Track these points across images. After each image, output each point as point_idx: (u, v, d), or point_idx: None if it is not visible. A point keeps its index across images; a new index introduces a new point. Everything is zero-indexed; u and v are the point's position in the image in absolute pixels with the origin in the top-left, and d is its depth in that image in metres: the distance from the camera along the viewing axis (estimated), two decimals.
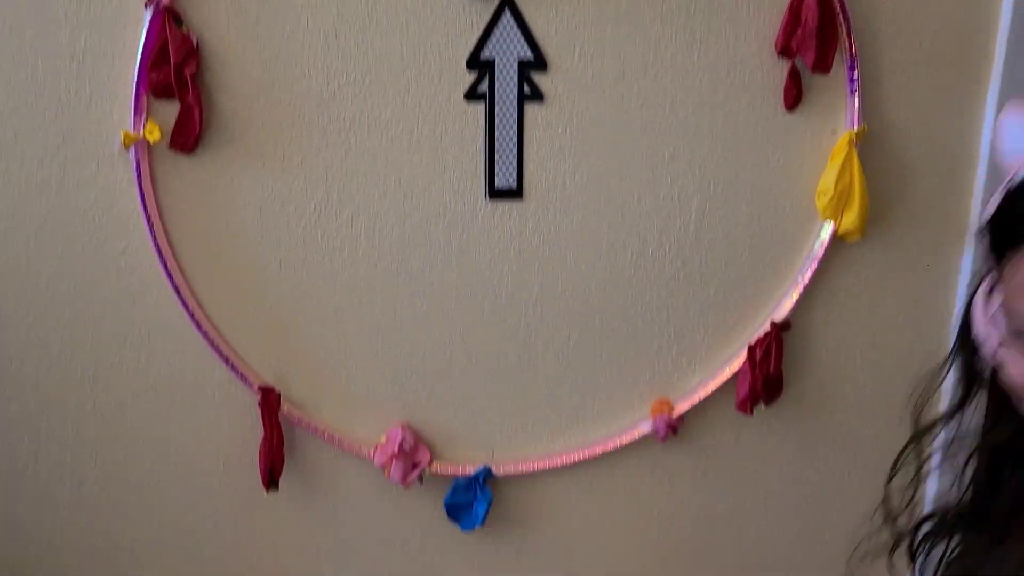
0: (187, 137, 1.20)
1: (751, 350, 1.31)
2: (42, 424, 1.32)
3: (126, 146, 1.19)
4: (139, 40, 1.16)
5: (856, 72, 1.24)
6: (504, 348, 1.34)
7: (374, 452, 1.34)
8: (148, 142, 1.19)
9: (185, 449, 1.35)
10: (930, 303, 1.35)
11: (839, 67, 1.24)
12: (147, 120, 1.19)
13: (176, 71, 1.17)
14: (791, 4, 1.20)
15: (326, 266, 1.28)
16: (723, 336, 1.34)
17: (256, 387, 1.29)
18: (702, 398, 1.35)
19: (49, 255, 1.25)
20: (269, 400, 1.29)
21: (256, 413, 1.30)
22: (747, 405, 1.32)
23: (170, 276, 1.24)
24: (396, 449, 1.32)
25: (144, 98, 1.19)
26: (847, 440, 1.40)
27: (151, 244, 1.23)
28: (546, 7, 1.21)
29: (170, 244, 1.25)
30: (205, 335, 1.27)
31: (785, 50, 1.22)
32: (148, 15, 1.15)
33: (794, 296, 1.31)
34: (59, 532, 1.37)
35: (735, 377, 1.34)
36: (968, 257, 1.32)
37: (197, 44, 1.18)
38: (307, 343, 1.32)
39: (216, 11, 1.18)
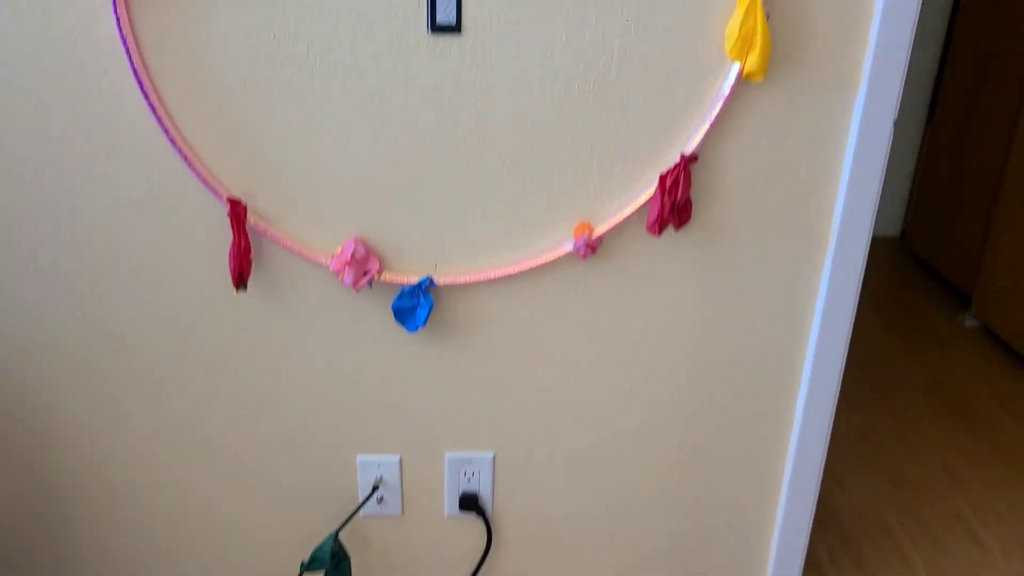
0: None
1: (662, 179, 1.48)
2: (38, 234, 1.51)
3: None
4: None
5: None
6: (445, 172, 1.50)
7: (330, 260, 1.53)
8: None
9: (163, 255, 1.55)
10: (825, 141, 1.49)
11: None
12: None
13: None
14: None
15: (286, 91, 1.44)
16: (639, 166, 1.51)
17: (225, 198, 1.47)
18: (619, 222, 1.53)
19: (35, 77, 1.41)
20: (237, 210, 1.47)
21: (227, 224, 1.49)
22: (656, 227, 1.49)
23: (146, 95, 1.40)
24: (349, 258, 1.51)
25: None
26: (749, 263, 1.58)
27: (128, 65, 1.38)
28: None
29: (145, 66, 1.40)
30: (179, 151, 1.44)
31: None
32: None
33: (703, 131, 1.47)
34: (43, 326, 1.59)
35: (648, 203, 1.51)
36: (860, 99, 1.46)
37: None
38: (271, 161, 1.48)
39: None
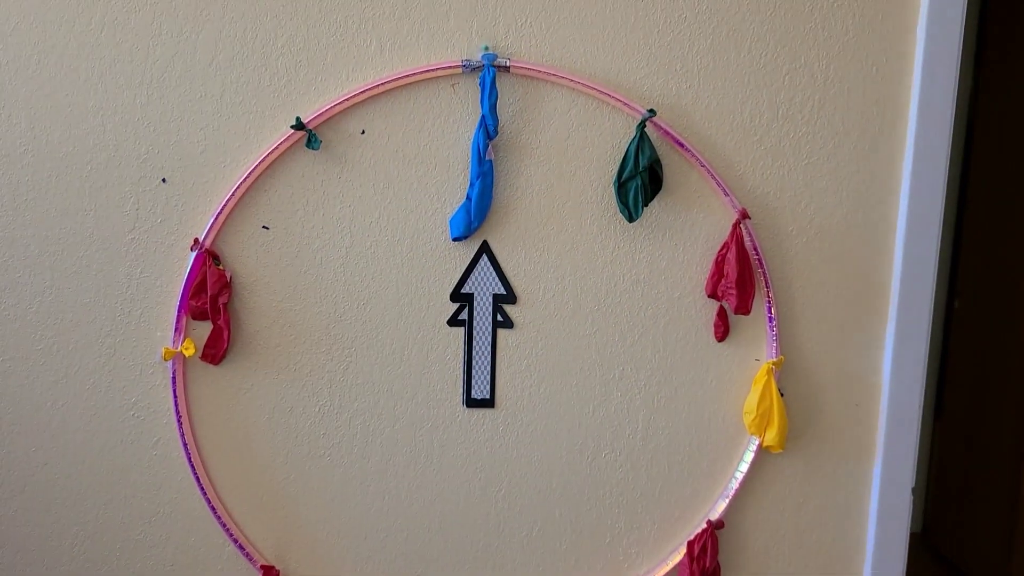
0: (216, 352, 1.45)
1: (690, 545, 1.50)
2: None
3: (166, 359, 1.44)
4: (183, 274, 1.43)
5: (773, 312, 1.48)
6: (477, 536, 1.54)
7: None
8: (184, 356, 1.45)
9: None
10: (846, 509, 1.54)
11: (760, 306, 1.48)
12: (185, 338, 1.45)
13: (212, 300, 1.43)
14: (716, 259, 1.46)
15: (326, 460, 1.50)
16: (666, 531, 1.54)
17: (259, 565, 1.49)
18: None
19: (93, 444, 1.48)
20: None
21: None
22: None
23: (192, 466, 1.47)
24: None
25: (183, 320, 1.45)
26: None
27: (179, 438, 1.46)
28: (516, 253, 1.47)
29: (195, 439, 1.48)
30: (218, 518, 1.48)
31: (713, 295, 1.47)
32: (192, 255, 1.42)
33: (728, 499, 1.51)
34: None
35: (677, 568, 1.52)
36: (877, 470, 1.52)
37: (231, 278, 1.44)
38: (306, 527, 1.52)
39: (247, 251, 1.45)
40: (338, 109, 1.41)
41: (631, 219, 1.42)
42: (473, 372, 1.49)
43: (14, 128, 1.40)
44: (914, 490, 1.52)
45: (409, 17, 1.40)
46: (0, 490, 1.49)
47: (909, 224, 1.46)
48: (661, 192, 1.44)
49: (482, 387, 1.50)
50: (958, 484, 4.04)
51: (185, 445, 1.46)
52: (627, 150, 1.41)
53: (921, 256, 1.47)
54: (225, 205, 1.42)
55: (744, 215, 1.44)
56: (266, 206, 1.44)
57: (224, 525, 1.48)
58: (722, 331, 1.48)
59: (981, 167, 3.24)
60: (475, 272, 1.47)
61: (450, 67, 1.40)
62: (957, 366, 4.21)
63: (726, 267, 1.44)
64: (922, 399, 1.50)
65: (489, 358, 1.49)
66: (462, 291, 1.48)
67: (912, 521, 4.86)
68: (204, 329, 1.45)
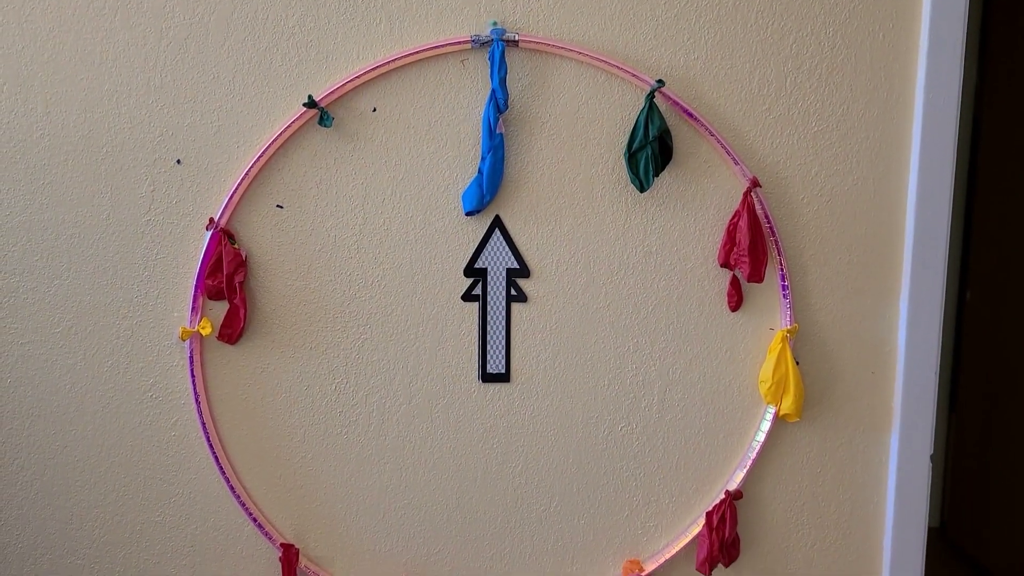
0: (232, 331, 1.46)
1: (708, 516, 1.50)
2: (93, 574, 1.52)
3: (183, 339, 1.45)
4: (199, 254, 1.44)
5: (786, 280, 1.48)
6: (494, 512, 1.54)
7: None
8: (201, 335, 1.46)
9: None
10: (864, 477, 1.53)
11: (773, 276, 1.49)
12: (201, 317, 1.46)
13: (228, 280, 1.44)
14: (728, 227, 1.46)
15: (342, 438, 1.51)
16: (684, 503, 1.53)
17: (279, 544, 1.50)
18: (668, 558, 1.53)
19: (112, 426, 1.49)
20: (289, 555, 1.49)
21: (277, 567, 1.51)
22: (706, 566, 1.49)
23: (211, 446, 1.47)
24: None
25: (200, 300, 1.46)
26: None
27: (197, 419, 1.47)
28: (529, 227, 1.48)
29: (213, 419, 1.49)
30: (237, 498, 1.49)
31: (726, 264, 1.47)
32: (208, 235, 1.44)
33: (745, 469, 1.51)
34: None
35: (697, 539, 1.52)
36: (895, 437, 1.51)
37: (246, 257, 1.45)
38: (324, 505, 1.52)
39: (262, 231, 1.46)
40: (349, 87, 1.42)
41: (642, 189, 1.43)
42: (488, 347, 1.50)
43: (31, 113, 1.42)
44: (932, 457, 1.51)
45: None
46: (21, 473, 1.50)
47: (920, 189, 1.46)
48: (671, 163, 1.45)
49: (497, 361, 1.50)
50: (975, 477, 4.02)
51: (203, 425, 1.47)
52: (637, 120, 1.42)
53: (933, 221, 1.47)
54: (239, 185, 1.43)
55: (755, 183, 1.44)
56: (280, 185, 1.45)
57: (243, 504, 1.49)
58: (736, 301, 1.48)
59: (990, 155, 3.24)
60: (488, 247, 1.48)
61: (459, 43, 1.41)
62: (970, 358, 4.19)
63: (738, 235, 1.44)
64: (938, 365, 1.50)
65: (504, 332, 1.50)
66: (476, 266, 1.49)
67: (930, 516, 4.82)
68: (220, 310, 1.46)
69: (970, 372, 4.17)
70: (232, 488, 1.49)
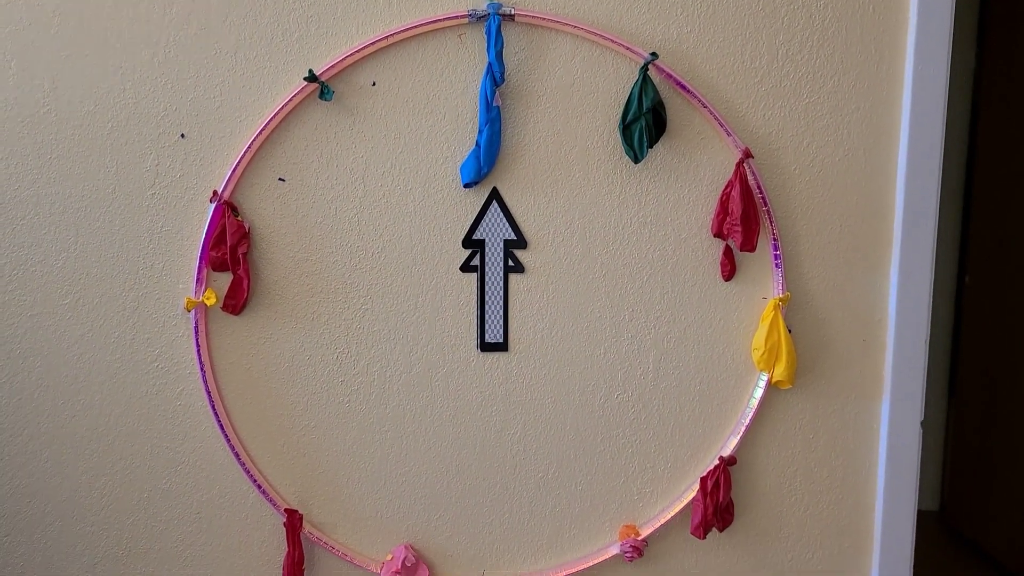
0: (236, 302, 1.49)
1: (703, 481, 1.53)
2: (101, 541, 1.56)
3: (188, 309, 1.48)
4: (203, 227, 1.47)
5: (779, 249, 1.51)
6: (493, 479, 1.57)
7: (381, 568, 1.55)
8: (206, 306, 1.49)
9: (219, 562, 1.58)
10: (855, 443, 1.56)
11: (765, 245, 1.51)
12: (206, 288, 1.49)
13: (231, 251, 1.47)
14: (721, 197, 1.49)
15: (344, 406, 1.54)
16: (679, 469, 1.57)
17: (283, 509, 1.53)
18: (664, 523, 1.56)
19: (119, 397, 1.52)
20: (293, 520, 1.53)
21: (281, 532, 1.54)
22: (700, 530, 1.52)
23: (216, 415, 1.51)
24: (400, 566, 1.54)
25: (204, 271, 1.49)
26: (795, 561, 1.59)
27: (203, 388, 1.50)
28: (526, 199, 1.51)
29: (218, 388, 1.52)
30: (243, 465, 1.52)
31: (719, 234, 1.50)
32: (212, 207, 1.47)
33: (739, 435, 1.54)
34: None
35: (691, 505, 1.55)
36: (886, 404, 1.54)
37: (249, 229, 1.49)
38: (327, 472, 1.56)
39: (265, 203, 1.49)
40: (349, 61, 1.45)
41: (636, 160, 1.46)
42: (486, 317, 1.53)
43: (37, 89, 1.45)
44: (923, 423, 1.54)
45: None
46: (29, 443, 1.53)
47: (910, 159, 1.49)
48: (665, 135, 1.47)
49: (495, 331, 1.53)
50: (974, 461, 4.03)
51: (208, 394, 1.50)
52: (631, 93, 1.45)
53: (923, 190, 1.50)
54: (242, 158, 1.46)
55: (747, 154, 1.47)
56: (281, 158, 1.48)
57: (248, 471, 1.52)
58: (729, 270, 1.51)
59: (988, 141, 3.25)
60: (486, 218, 1.51)
61: (457, 17, 1.44)
62: (969, 343, 4.20)
63: (731, 205, 1.47)
64: (928, 333, 1.52)
65: (502, 303, 1.53)
66: (474, 237, 1.52)
67: (929, 500, 4.83)
68: (224, 281, 1.49)
69: (969, 357, 4.19)
70: (237, 456, 1.52)
